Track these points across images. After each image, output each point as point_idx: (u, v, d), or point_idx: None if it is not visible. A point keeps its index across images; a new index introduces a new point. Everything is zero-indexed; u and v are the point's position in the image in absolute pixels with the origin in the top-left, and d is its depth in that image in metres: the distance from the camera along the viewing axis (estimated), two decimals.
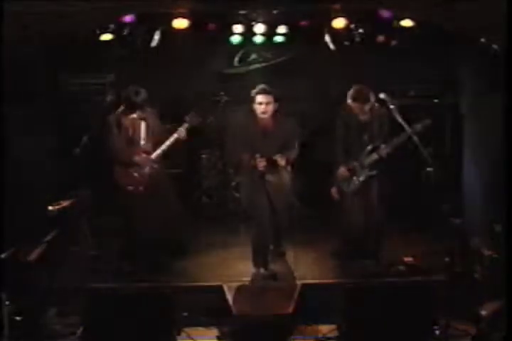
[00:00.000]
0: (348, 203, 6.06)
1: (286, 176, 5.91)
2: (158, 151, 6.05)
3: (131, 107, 5.98)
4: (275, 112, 5.74)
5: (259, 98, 5.65)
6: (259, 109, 5.67)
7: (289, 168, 5.89)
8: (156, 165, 6.07)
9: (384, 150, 5.87)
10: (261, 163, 5.62)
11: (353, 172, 5.99)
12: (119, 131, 6.02)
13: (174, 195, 6.29)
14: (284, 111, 5.88)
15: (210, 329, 5.37)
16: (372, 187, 6.01)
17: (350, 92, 5.85)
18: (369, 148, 5.95)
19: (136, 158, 6.03)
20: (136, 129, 6.03)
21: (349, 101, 5.87)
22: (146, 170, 6.04)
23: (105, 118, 6.22)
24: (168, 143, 6.02)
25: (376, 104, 5.88)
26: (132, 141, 6.04)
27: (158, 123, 6.16)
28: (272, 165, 5.70)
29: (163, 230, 6.13)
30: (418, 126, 5.72)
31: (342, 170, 6.00)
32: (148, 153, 6.06)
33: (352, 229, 6.09)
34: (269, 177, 5.69)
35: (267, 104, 5.64)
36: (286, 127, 5.81)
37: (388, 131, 5.91)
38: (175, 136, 6.00)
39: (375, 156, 5.92)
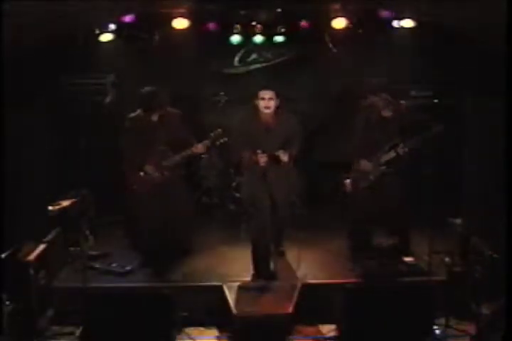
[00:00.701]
0: (360, 198, 6.12)
1: (288, 173, 5.90)
2: (172, 161, 6.03)
3: (149, 109, 5.96)
4: (277, 108, 5.76)
5: (262, 93, 5.69)
6: (262, 103, 5.70)
7: (291, 164, 5.87)
8: (166, 173, 6.06)
9: (402, 149, 5.93)
10: (262, 159, 5.63)
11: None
12: (136, 134, 5.98)
13: (184, 197, 6.30)
14: (285, 108, 5.89)
15: (210, 329, 5.38)
16: (386, 184, 6.03)
17: (372, 85, 5.91)
18: (388, 145, 5.98)
19: (147, 168, 6.02)
20: (154, 132, 5.99)
21: (372, 95, 5.93)
22: (155, 175, 6.04)
23: (119, 119, 6.22)
24: (183, 154, 6.02)
25: (401, 101, 5.94)
26: (148, 144, 6.00)
27: (179, 125, 6.10)
28: (275, 161, 5.71)
29: (166, 230, 6.13)
30: (436, 128, 5.81)
31: (364, 163, 6.02)
32: (164, 156, 6.05)
33: (360, 225, 6.16)
34: (271, 174, 5.69)
35: (270, 99, 5.67)
36: (288, 123, 5.84)
37: (409, 129, 5.95)
38: (192, 149, 6.00)
39: (392, 154, 5.95)
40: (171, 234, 6.17)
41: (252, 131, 5.78)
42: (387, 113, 5.93)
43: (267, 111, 5.71)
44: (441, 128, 5.85)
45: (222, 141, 6.04)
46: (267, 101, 5.68)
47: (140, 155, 5.99)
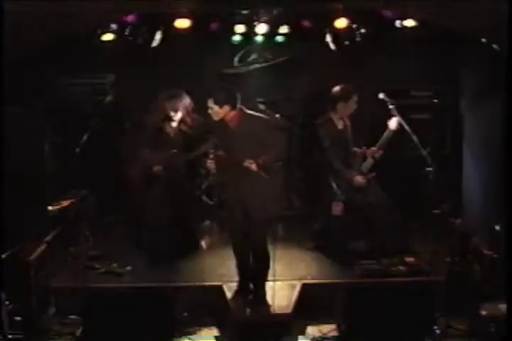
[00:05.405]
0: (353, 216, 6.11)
1: (271, 185, 5.21)
2: (185, 158, 6.20)
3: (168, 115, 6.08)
4: (240, 110, 5.15)
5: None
6: None
7: (265, 174, 5.12)
8: (174, 170, 6.17)
9: (377, 153, 5.99)
10: (210, 165, 5.22)
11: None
12: (152, 134, 6.11)
13: (185, 195, 6.34)
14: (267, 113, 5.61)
15: (210, 329, 5.38)
16: (370, 192, 6.07)
17: (335, 93, 6.03)
18: (359, 154, 6.05)
19: (155, 169, 6.12)
20: (169, 132, 6.14)
21: (335, 103, 6.05)
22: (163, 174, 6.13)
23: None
24: (196, 152, 6.22)
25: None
26: (163, 143, 6.14)
27: (193, 127, 6.27)
28: (245, 170, 5.11)
29: (173, 229, 6.16)
30: (392, 124, 5.91)
31: (359, 178, 6.03)
32: (175, 157, 6.14)
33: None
34: (243, 185, 5.18)
35: (215, 111, 5.13)
36: (256, 126, 5.16)
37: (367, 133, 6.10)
38: (202, 147, 6.16)
39: (370, 160, 5.99)
40: (179, 234, 6.20)
41: (217, 131, 5.32)
42: (341, 126, 6.09)
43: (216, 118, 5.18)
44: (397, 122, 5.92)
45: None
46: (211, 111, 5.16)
47: (151, 156, 6.06)
